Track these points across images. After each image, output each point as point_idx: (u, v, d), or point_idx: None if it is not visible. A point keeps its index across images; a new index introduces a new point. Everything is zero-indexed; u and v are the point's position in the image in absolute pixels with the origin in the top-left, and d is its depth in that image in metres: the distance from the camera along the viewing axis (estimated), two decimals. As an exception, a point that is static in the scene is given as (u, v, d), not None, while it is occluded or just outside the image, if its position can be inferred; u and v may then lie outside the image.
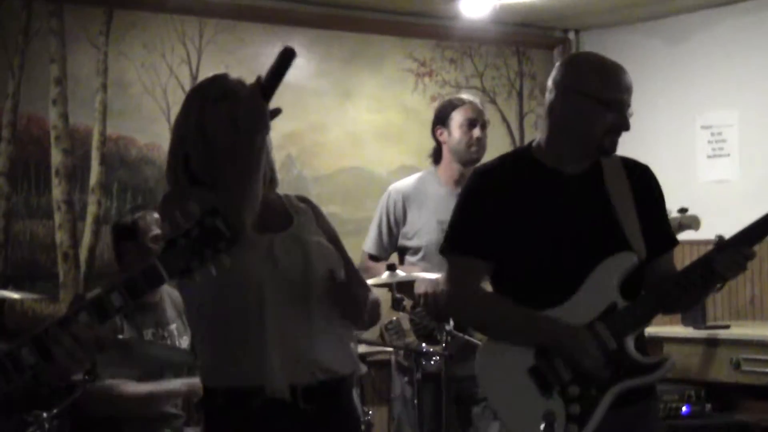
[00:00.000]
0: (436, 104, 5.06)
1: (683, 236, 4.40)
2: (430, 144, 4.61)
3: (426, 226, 4.45)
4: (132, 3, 5.22)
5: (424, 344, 4.09)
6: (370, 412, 4.26)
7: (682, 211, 4.83)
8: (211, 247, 2.09)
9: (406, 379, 4.41)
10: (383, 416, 4.69)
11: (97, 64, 5.12)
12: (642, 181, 2.93)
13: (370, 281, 4.14)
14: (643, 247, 2.85)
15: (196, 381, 3.77)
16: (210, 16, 5.41)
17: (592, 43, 6.45)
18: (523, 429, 2.79)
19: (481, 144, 4.48)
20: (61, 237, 4.98)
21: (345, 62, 5.85)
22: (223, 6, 5.44)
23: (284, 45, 2.60)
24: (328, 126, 5.78)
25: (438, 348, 4.03)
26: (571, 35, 6.62)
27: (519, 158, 2.99)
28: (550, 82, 2.90)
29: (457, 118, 4.49)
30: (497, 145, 5.98)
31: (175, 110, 5.13)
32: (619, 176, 2.90)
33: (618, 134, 2.84)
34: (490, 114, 6.25)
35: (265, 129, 2.58)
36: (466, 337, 4.03)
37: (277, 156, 2.86)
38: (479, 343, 3.99)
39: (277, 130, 2.78)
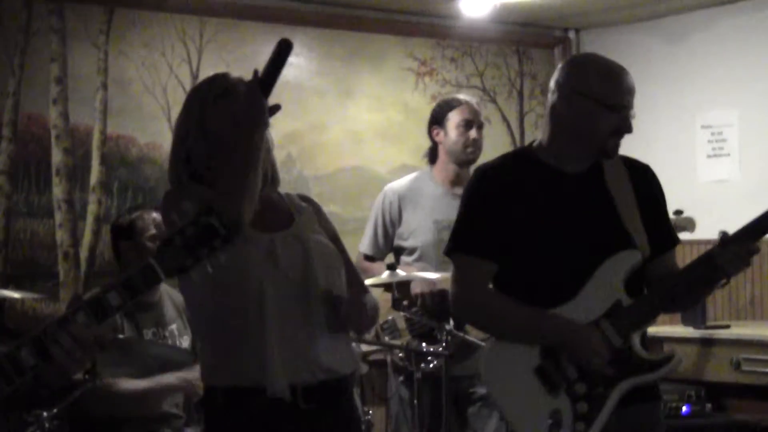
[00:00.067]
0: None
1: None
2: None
3: (422, 227, 4.45)
4: (132, 2, 5.22)
5: (424, 344, 4.09)
6: (370, 411, 4.26)
7: (678, 213, 4.84)
8: (207, 245, 2.09)
9: (401, 378, 4.42)
10: (381, 416, 4.68)
11: (98, 63, 5.12)
12: (643, 180, 2.94)
13: (369, 281, 4.16)
14: (647, 245, 2.86)
15: (191, 374, 3.78)
16: (210, 15, 5.41)
17: (592, 43, 6.46)
18: (530, 428, 2.79)
19: (477, 145, 4.48)
20: (61, 236, 4.98)
21: (345, 61, 5.85)
22: (223, 5, 5.43)
23: (280, 38, 2.59)
24: (329, 125, 5.78)
25: (438, 348, 4.03)
26: (572, 34, 6.62)
27: (521, 158, 2.99)
28: (552, 84, 2.91)
29: (453, 118, 4.49)
30: (497, 145, 6.00)
31: (176, 109, 5.14)
32: (621, 175, 2.91)
33: (621, 137, 2.85)
34: (491, 113, 6.28)
35: (264, 124, 2.58)
36: (467, 337, 4.04)
37: (278, 155, 2.86)
38: (478, 342, 4.04)
39: (278, 130, 2.78)
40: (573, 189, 2.88)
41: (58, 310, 4.79)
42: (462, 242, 2.93)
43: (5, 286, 4.37)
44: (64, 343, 2.10)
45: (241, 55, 5.38)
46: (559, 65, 2.96)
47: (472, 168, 4.46)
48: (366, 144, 5.88)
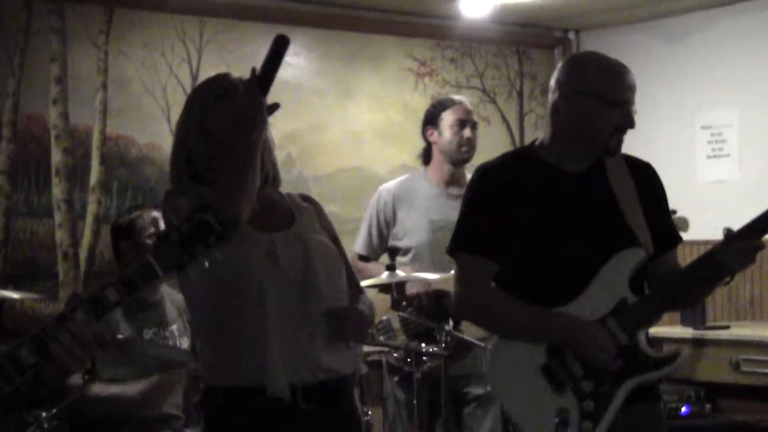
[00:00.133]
0: (430, 106, 5.06)
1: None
2: (430, 144, 4.62)
3: (416, 227, 4.46)
4: (132, 2, 5.22)
5: (423, 344, 4.09)
6: (369, 412, 4.26)
7: (671, 212, 4.84)
8: (202, 241, 2.10)
9: (396, 379, 4.42)
10: (379, 417, 4.69)
11: (98, 63, 5.12)
12: (645, 179, 2.95)
13: (369, 282, 4.17)
14: (651, 243, 2.86)
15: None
16: (210, 16, 5.41)
17: (592, 43, 6.46)
18: (537, 427, 2.79)
19: (471, 144, 4.50)
20: (61, 236, 4.98)
21: (345, 62, 5.85)
22: (223, 5, 5.43)
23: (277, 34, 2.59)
24: (329, 125, 5.78)
25: (437, 348, 4.03)
26: (571, 35, 6.62)
27: (523, 157, 2.99)
28: (553, 82, 2.91)
29: (447, 118, 4.50)
30: (497, 145, 6.00)
31: (176, 109, 5.19)
32: (623, 173, 2.91)
33: (623, 133, 2.86)
34: (490, 114, 6.28)
35: (262, 123, 2.58)
36: (466, 337, 4.04)
37: (277, 155, 2.85)
38: (474, 341, 4.04)
39: (277, 130, 2.78)
40: (575, 188, 2.88)
41: (58, 310, 4.76)
42: (464, 242, 2.93)
43: (5, 286, 4.37)
44: (63, 340, 2.10)
45: (241, 56, 5.38)
46: (559, 64, 2.97)
47: (468, 168, 4.51)
48: (366, 144, 5.88)
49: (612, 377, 2.78)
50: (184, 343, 4.09)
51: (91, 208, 5.06)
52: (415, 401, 4.14)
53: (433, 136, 4.53)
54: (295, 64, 5.59)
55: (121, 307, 2.21)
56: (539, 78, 6.46)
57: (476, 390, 4.42)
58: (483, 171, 2.96)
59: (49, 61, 4.98)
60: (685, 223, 4.89)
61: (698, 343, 5.36)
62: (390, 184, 4.62)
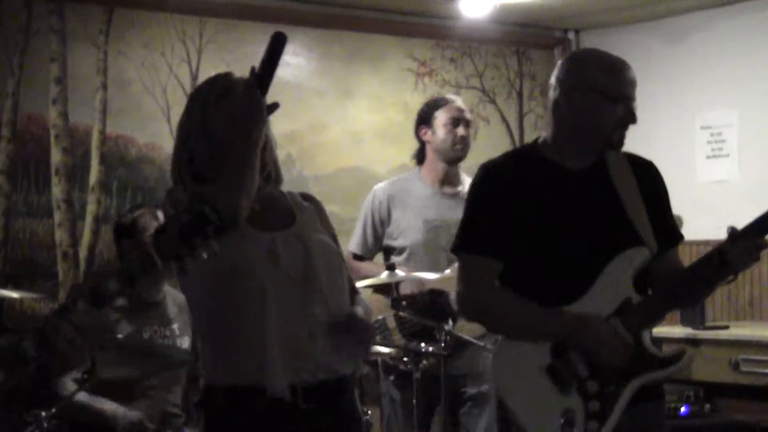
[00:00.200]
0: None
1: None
2: (431, 144, 4.63)
3: (411, 226, 4.47)
4: (132, 2, 5.22)
5: (423, 344, 4.10)
6: (369, 412, 4.26)
7: None
8: (200, 233, 2.10)
9: (392, 378, 4.42)
10: (378, 416, 4.69)
11: (97, 63, 5.12)
12: (647, 177, 2.94)
13: (367, 281, 4.17)
14: (654, 242, 2.86)
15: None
16: (210, 15, 5.41)
17: (591, 43, 6.45)
18: (542, 428, 2.78)
19: (465, 142, 4.51)
20: (60, 236, 4.98)
21: (345, 62, 5.85)
22: (223, 5, 5.44)
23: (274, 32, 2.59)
24: (328, 125, 5.78)
25: (436, 347, 4.03)
26: (571, 35, 6.63)
27: (525, 155, 2.99)
28: (553, 80, 2.91)
29: (440, 117, 4.51)
30: (497, 145, 6.00)
31: (175, 109, 5.19)
32: (625, 172, 2.91)
33: (626, 128, 2.86)
34: (490, 114, 6.28)
35: (262, 121, 2.58)
36: (465, 336, 4.04)
37: (277, 155, 2.86)
38: (472, 340, 4.04)
39: (277, 130, 2.78)
40: (577, 185, 2.87)
41: (58, 309, 4.79)
42: (466, 241, 2.93)
43: (4, 286, 4.38)
44: (65, 332, 2.11)
45: (241, 55, 5.38)
46: (559, 62, 2.96)
47: (462, 166, 4.53)
48: (366, 144, 5.89)
49: (618, 377, 2.78)
50: (185, 343, 4.09)
51: (91, 208, 5.06)
52: (414, 401, 4.14)
53: (427, 136, 4.54)
54: (294, 64, 5.59)
55: (123, 303, 2.22)
56: (539, 78, 6.46)
57: (472, 389, 4.42)
58: (485, 170, 2.96)
59: (48, 61, 4.98)
60: (680, 221, 4.89)
61: (698, 343, 5.36)
62: (384, 184, 4.63)
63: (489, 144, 6.12)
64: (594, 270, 2.81)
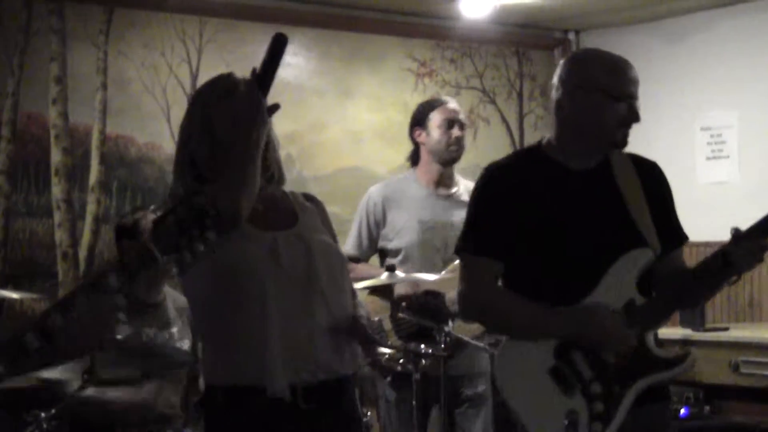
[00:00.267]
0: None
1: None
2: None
3: (406, 228, 4.46)
4: (132, 2, 5.22)
5: (423, 345, 4.09)
6: (369, 413, 4.26)
7: None
8: (198, 224, 2.10)
9: (388, 379, 4.42)
10: (375, 417, 4.69)
11: (97, 63, 5.12)
12: (651, 178, 2.94)
13: (366, 282, 4.17)
14: (658, 243, 2.85)
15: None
16: (210, 15, 5.42)
17: (591, 44, 6.45)
18: (545, 430, 2.77)
19: (460, 144, 4.50)
20: (60, 236, 4.98)
21: (345, 62, 5.85)
22: (223, 5, 5.44)
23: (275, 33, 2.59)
24: (328, 125, 5.78)
25: (436, 349, 4.03)
26: (571, 36, 6.63)
27: (529, 156, 2.99)
28: (555, 80, 2.90)
29: (435, 118, 4.51)
30: (497, 146, 6.01)
31: (175, 109, 5.20)
32: (629, 172, 2.91)
33: (629, 127, 2.86)
34: (490, 114, 6.28)
35: (262, 122, 2.58)
36: (464, 337, 4.04)
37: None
38: (469, 340, 4.04)
39: (277, 130, 2.78)
40: (583, 186, 2.87)
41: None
42: (469, 243, 2.93)
43: (4, 286, 4.37)
44: (66, 325, 2.11)
45: (241, 55, 5.38)
46: (561, 62, 2.96)
47: (456, 168, 4.52)
48: (365, 144, 5.88)
49: (622, 379, 2.78)
50: (184, 344, 4.08)
51: (91, 208, 5.06)
52: (414, 402, 4.13)
53: (421, 137, 4.54)
54: (294, 64, 5.59)
55: (123, 302, 2.22)
56: (539, 79, 6.46)
57: (469, 390, 4.42)
58: (489, 172, 2.96)
59: (48, 61, 4.98)
60: None
61: (697, 344, 5.35)
62: (379, 186, 4.63)
63: (489, 144, 6.13)
64: (598, 271, 2.81)
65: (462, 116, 4.58)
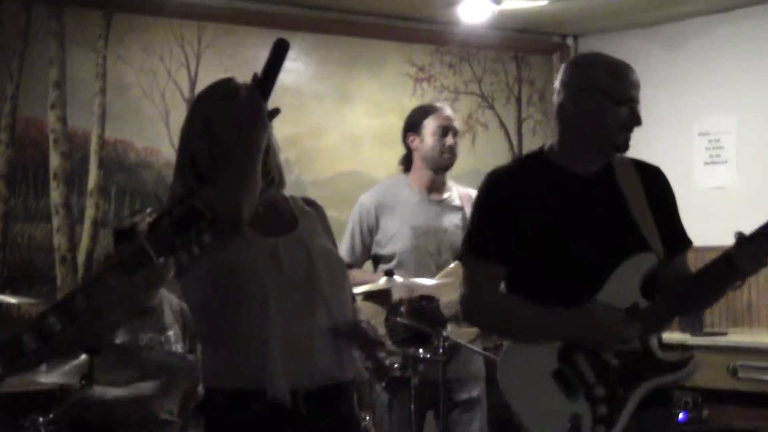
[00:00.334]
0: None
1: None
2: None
3: (399, 233, 4.47)
4: (131, 7, 5.22)
5: (421, 350, 4.09)
6: (367, 417, 4.26)
7: None
8: (193, 225, 2.10)
9: (383, 384, 4.42)
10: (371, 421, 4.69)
11: (96, 68, 5.12)
12: (654, 182, 2.95)
13: (364, 287, 4.17)
14: (661, 247, 2.86)
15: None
16: (209, 20, 5.41)
17: (590, 49, 6.44)
18: None
19: (453, 151, 4.51)
20: (58, 240, 4.98)
21: (344, 67, 5.85)
22: (222, 10, 5.44)
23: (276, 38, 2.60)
24: (327, 130, 5.78)
25: (434, 354, 4.03)
26: (570, 41, 6.63)
27: (532, 161, 2.99)
28: (557, 84, 2.91)
29: (430, 125, 4.51)
30: (495, 151, 6.01)
31: (174, 114, 5.20)
32: (632, 177, 2.91)
33: (631, 130, 2.87)
34: (489, 119, 6.28)
35: (263, 126, 2.59)
36: (462, 342, 4.04)
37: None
38: (464, 344, 4.04)
39: (276, 134, 2.79)
40: (586, 191, 2.88)
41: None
42: (472, 247, 2.94)
43: (2, 291, 4.37)
44: (63, 327, 2.11)
45: (240, 60, 5.38)
46: (563, 66, 2.97)
47: (448, 174, 4.53)
48: (364, 149, 5.89)
49: (625, 382, 2.78)
50: (180, 348, 4.08)
51: (89, 213, 5.06)
52: (412, 406, 4.13)
53: (415, 143, 4.55)
54: (293, 69, 5.59)
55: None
56: (537, 84, 6.46)
57: (462, 395, 4.42)
58: (492, 177, 2.97)
59: (47, 65, 4.98)
60: None
61: (696, 349, 5.35)
62: (371, 192, 4.63)
63: (487, 149, 6.13)
64: (601, 275, 2.81)
65: (456, 123, 4.58)
